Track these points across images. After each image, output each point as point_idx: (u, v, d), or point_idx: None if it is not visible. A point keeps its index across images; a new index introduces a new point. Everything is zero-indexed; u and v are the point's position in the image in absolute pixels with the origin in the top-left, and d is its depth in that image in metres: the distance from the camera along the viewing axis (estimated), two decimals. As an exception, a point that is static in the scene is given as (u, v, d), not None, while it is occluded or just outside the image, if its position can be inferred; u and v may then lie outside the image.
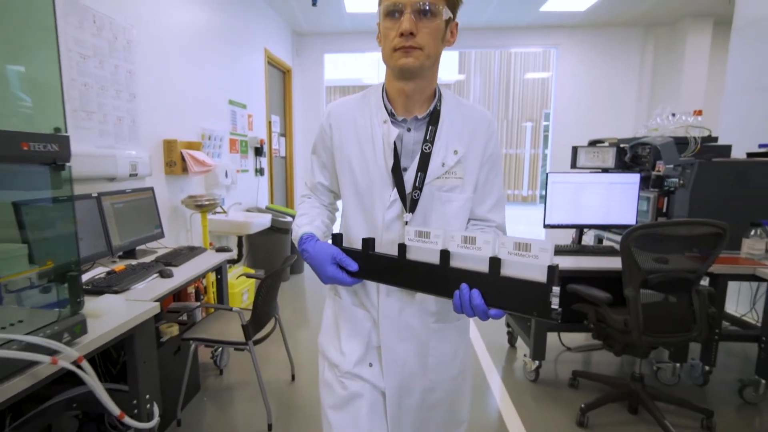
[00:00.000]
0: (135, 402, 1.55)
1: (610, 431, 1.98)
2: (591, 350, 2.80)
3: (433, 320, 1.04)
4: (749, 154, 2.48)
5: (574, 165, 2.95)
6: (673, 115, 2.80)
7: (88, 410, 1.77)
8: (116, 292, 1.66)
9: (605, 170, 2.87)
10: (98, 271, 1.85)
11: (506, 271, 0.78)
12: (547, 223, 2.51)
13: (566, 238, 2.93)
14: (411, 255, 0.90)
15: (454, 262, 0.84)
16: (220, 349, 2.54)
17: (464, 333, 1.11)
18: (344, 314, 1.08)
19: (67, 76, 2.11)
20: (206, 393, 2.30)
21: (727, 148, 2.63)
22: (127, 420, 1.33)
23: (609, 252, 2.42)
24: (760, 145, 2.50)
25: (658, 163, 2.63)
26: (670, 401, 2.08)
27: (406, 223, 0.97)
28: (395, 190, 0.97)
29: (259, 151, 4.46)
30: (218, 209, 3.20)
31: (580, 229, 2.61)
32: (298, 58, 5.82)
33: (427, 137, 0.97)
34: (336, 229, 1.10)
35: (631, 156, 2.68)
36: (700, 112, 2.72)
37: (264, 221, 3.57)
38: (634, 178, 2.45)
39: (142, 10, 2.58)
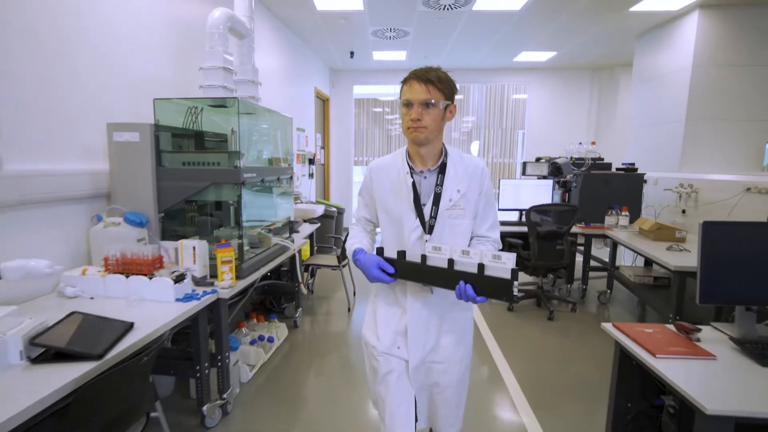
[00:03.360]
0: (297, 284, 3.39)
1: (524, 312, 3.80)
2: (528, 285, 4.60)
3: (445, 310, 1.36)
4: (617, 168, 4.27)
5: (524, 173, 4.78)
6: (580, 143, 4.60)
7: (270, 293, 3.60)
8: (283, 235, 3.51)
9: (544, 177, 4.66)
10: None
11: (487, 272, 1.14)
12: (500, 207, 4.31)
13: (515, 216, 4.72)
14: (429, 262, 1.24)
15: (456, 267, 1.19)
16: (312, 279, 4.38)
17: (469, 321, 1.44)
18: (381, 311, 1.41)
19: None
20: (306, 300, 4.13)
21: (608, 165, 4.44)
22: (301, 287, 3.18)
23: (534, 224, 4.21)
24: (623, 163, 4.29)
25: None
26: (557, 299, 3.91)
27: (426, 241, 1.29)
28: (417, 219, 1.30)
29: (311, 161, 6.30)
30: (299, 200, 5.03)
31: (521, 211, 4.40)
32: (334, 89, 7.64)
33: (438, 182, 1.31)
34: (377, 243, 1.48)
35: (552, 169, 4.47)
36: (594, 143, 4.52)
37: (320, 210, 5.40)
38: (549, 183, 4.25)
39: (263, 79, 4.40)
